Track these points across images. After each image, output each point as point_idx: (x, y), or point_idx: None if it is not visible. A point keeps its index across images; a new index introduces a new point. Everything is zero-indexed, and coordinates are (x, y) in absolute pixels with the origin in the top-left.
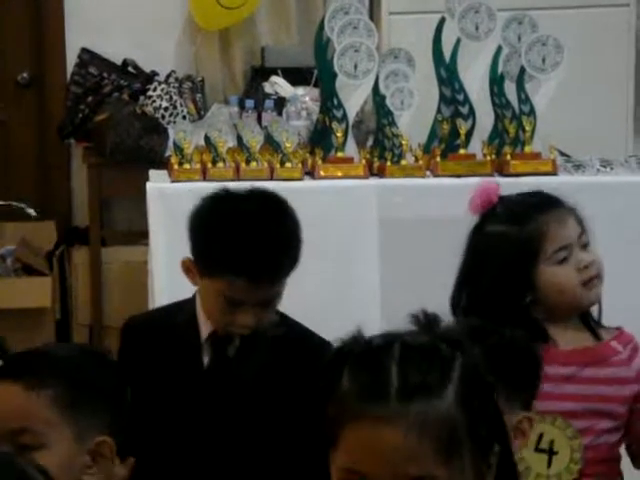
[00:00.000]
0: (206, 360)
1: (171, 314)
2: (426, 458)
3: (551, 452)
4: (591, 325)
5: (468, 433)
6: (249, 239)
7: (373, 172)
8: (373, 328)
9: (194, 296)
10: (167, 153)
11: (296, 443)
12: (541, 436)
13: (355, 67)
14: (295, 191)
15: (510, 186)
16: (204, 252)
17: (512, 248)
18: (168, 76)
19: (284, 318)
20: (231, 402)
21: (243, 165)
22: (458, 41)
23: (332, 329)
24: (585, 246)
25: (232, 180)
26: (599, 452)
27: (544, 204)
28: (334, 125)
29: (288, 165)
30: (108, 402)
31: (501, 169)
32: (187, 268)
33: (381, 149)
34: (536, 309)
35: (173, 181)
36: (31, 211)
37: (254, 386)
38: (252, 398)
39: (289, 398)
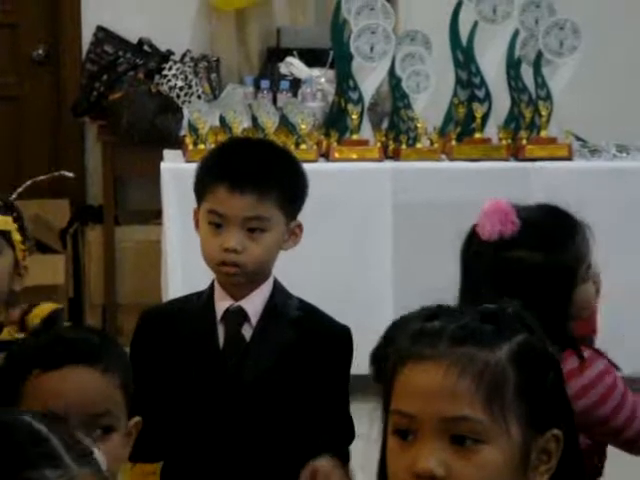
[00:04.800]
0: (222, 342)
1: (189, 301)
2: (463, 398)
3: None
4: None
5: (517, 394)
6: (235, 148)
7: (388, 155)
8: (385, 309)
9: (213, 282)
10: (182, 133)
11: (311, 424)
12: None
13: (371, 49)
14: (310, 173)
15: (526, 171)
16: (197, 174)
17: (553, 277)
18: (183, 55)
19: (302, 303)
20: (247, 385)
21: None
22: (475, 24)
23: (345, 310)
24: None
25: None
26: None
27: (571, 226)
28: (349, 107)
29: (303, 147)
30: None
31: (517, 153)
32: (195, 218)
33: (396, 132)
34: None
35: (187, 161)
36: (70, 174)
37: (271, 369)
38: (269, 381)
39: (306, 381)
